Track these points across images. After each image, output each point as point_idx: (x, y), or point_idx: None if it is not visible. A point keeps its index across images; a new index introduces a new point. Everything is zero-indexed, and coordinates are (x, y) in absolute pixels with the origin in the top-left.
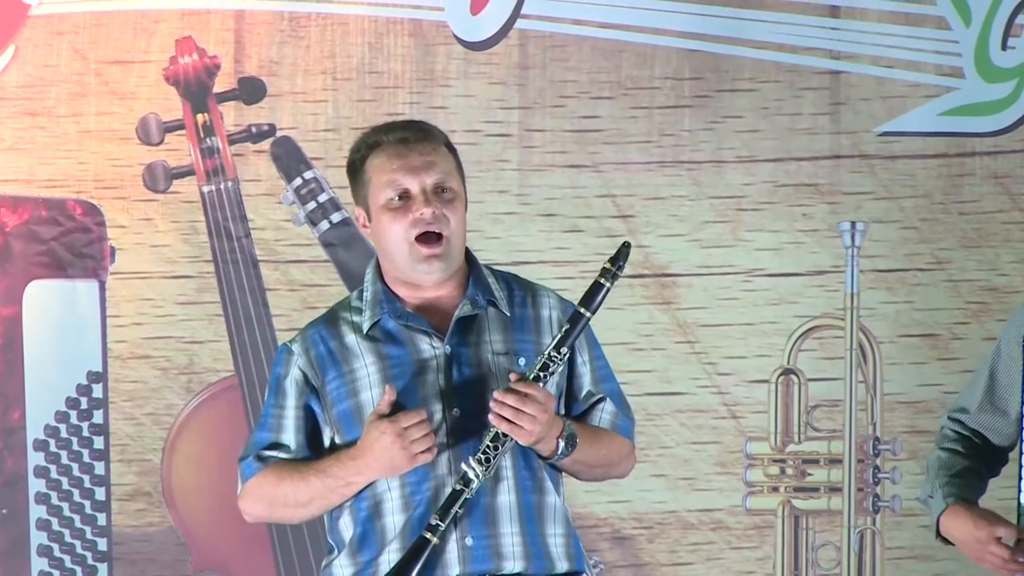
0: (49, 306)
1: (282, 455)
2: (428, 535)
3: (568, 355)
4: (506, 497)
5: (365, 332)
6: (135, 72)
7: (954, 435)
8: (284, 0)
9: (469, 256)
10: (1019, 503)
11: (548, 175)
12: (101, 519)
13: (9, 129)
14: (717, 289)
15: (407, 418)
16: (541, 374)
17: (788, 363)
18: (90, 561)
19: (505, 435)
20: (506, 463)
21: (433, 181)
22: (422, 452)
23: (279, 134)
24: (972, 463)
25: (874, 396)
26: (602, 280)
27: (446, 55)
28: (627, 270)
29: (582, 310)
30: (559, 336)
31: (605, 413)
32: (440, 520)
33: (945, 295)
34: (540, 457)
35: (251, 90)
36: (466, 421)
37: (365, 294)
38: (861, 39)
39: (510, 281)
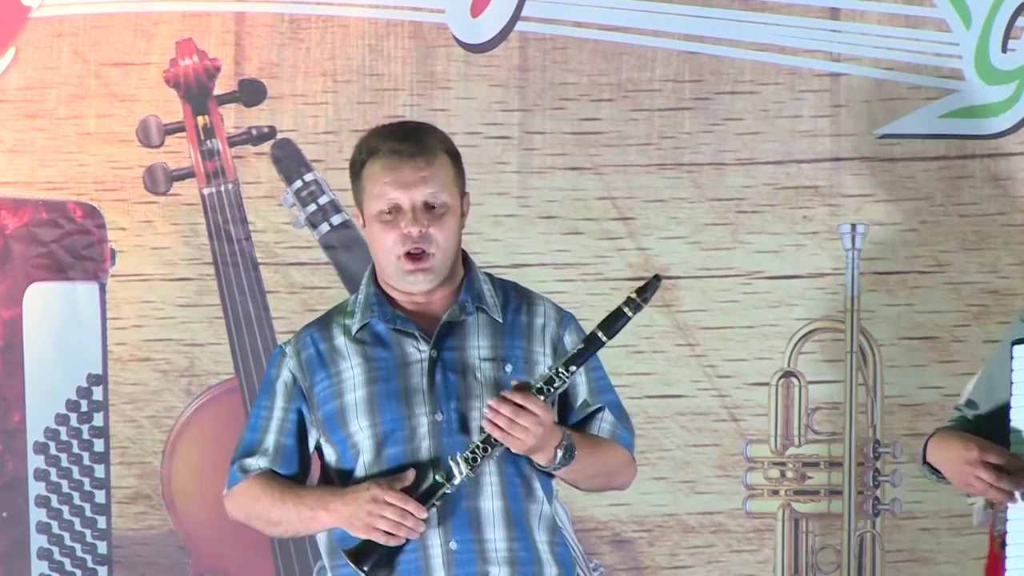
0: (49, 308)
1: (262, 462)
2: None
3: (575, 374)
4: (491, 503)
5: (354, 334)
6: (135, 74)
7: (957, 421)
8: (284, 2)
9: (467, 262)
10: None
11: (548, 177)
12: (101, 522)
13: (9, 131)
14: (717, 291)
15: (394, 496)
16: (545, 387)
17: (788, 366)
18: (90, 564)
19: (497, 440)
20: (491, 469)
21: (423, 198)
22: (380, 531)
23: (279, 136)
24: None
25: (874, 399)
26: (625, 309)
27: (446, 57)
28: (627, 272)
29: (600, 334)
30: (571, 354)
31: (604, 423)
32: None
33: (945, 298)
34: (536, 467)
35: (251, 92)
36: (449, 425)
37: (359, 297)
38: (861, 41)
39: (508, 289)
